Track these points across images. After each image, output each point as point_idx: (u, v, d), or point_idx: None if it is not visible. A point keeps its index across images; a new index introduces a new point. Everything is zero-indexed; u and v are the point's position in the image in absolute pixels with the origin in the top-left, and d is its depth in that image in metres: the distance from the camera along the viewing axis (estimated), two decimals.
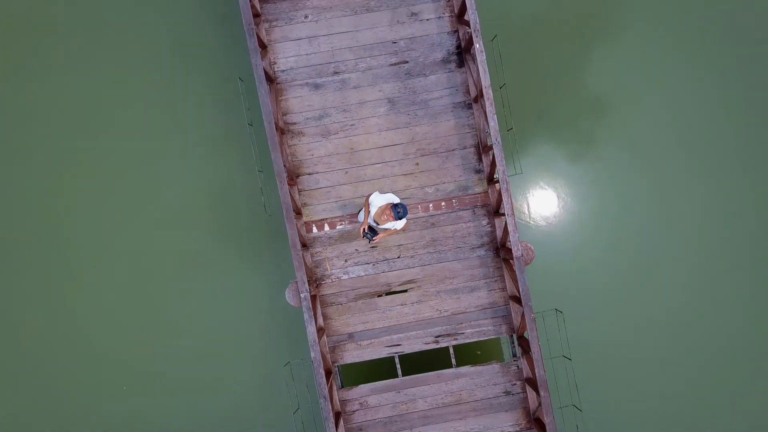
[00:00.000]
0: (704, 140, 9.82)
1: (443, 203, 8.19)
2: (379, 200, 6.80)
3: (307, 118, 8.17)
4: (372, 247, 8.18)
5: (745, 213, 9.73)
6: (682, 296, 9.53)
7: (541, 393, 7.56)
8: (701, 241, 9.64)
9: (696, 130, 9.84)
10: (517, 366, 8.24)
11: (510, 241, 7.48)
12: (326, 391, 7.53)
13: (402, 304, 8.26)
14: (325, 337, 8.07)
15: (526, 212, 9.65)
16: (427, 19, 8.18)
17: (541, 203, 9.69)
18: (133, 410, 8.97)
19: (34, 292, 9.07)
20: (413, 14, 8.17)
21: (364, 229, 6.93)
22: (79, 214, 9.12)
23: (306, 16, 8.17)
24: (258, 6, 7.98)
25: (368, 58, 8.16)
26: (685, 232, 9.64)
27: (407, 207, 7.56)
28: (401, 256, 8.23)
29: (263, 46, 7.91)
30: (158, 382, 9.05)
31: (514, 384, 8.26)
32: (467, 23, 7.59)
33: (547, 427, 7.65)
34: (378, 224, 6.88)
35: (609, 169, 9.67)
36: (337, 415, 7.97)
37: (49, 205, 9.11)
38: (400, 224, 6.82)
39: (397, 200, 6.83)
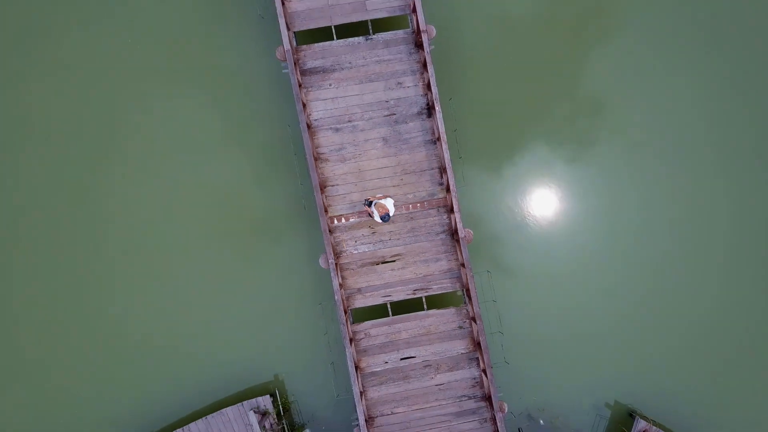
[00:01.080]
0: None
1: (418, 204, 12.73)
2: (386, 201, 11.38)
3: (331, 150, 12.74)
4: (373, 230, 12.73)
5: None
6: (588, 251, 14.05)
7: (477, 322, 12.09)
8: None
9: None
10: (466, 309, 12.76)
11: (457, 223, 12.02)
12: (344, 321, 12.07)
13: (392, 270, 12.79)
14: (342, 290, 12.59)
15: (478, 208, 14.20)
16: (408, 87, 12.77)
17: (485, 200, 14.23)
18: (220, 341, 13.51)
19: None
20: (399, 83, 12.75)
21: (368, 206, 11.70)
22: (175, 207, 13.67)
23: (330, 84, 12.76)
24: (300, 78, 12.57)
25: (370, 112, 12.74)
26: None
27: (395, 207, 12.13)
28: (391, 238, 12.77)
29: (304, 105, 12.50)
30: (236, 319, 13.59)
31: (464, 321, 12.78)
32: (431, 91, 12.17)
33: (482, 345, 12.17)
34: (374, 211, 11.51)
35: (532, 170, 14.20)
36: (351, 340, 12.48)
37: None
38: (377, 219, 11.47)
39: (392, 211, 11.43)
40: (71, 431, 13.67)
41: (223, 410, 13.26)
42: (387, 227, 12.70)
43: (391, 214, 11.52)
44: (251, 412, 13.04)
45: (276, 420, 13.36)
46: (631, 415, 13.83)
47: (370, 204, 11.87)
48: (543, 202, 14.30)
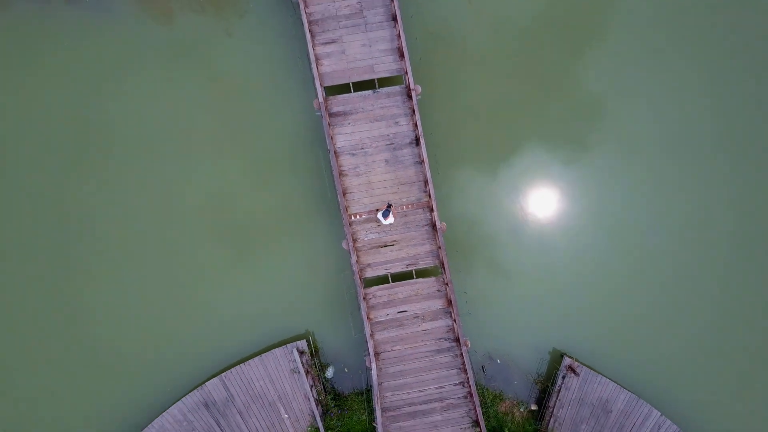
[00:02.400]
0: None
1: (411, 206, 18.44)
2: (380, 214, 17.14)
3: (349, 168, 18.47)
4: (378, 225, 18.45)
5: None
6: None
7: (449, 286, 17.77)
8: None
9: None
10: (442, 278, 18.43)
11: (436, 219, 17.75)
12: (359, 285, 17.77)
13: (391, 251, 18.48)
14: (357, 264, 18.27)
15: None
16: (402, 125, 18.53)
17: (463, 197, 19.92)
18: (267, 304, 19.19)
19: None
20: (396, 122, 18.51)
21: (377, 219, 17.36)
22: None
23: (349, 123, 18.52)
24: (328, 119, 18.34)
25: (376, 142, 18.48)
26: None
27: (392, 210, 17.86)
28: (391, 229, 18.47)
29: (331, 137, 18.27)
30: (278, 288, 19.24)
31: (441, 286, 18.44)
32: (418, 128, 17.94)
33: (453, 302, 17.83)
34: (380, 218, 17.25)
35: (507, 168, 19.88)
36: (363, 299, 18.14)
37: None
38: (380, 218, 17.16)
39: (390, 221, 17.18)
40: (169, 370, 19.27)
41: (273, 350, 18.89)
42: (387, 222, 18.43)
43: (386, 222, 17.29)
44: (295, 351, 18.69)
45: (310, 358, 19.00)
46: (562, 356, 19.38)
47: (377, 212, 17.55)
48: (514, 186, 19.98)
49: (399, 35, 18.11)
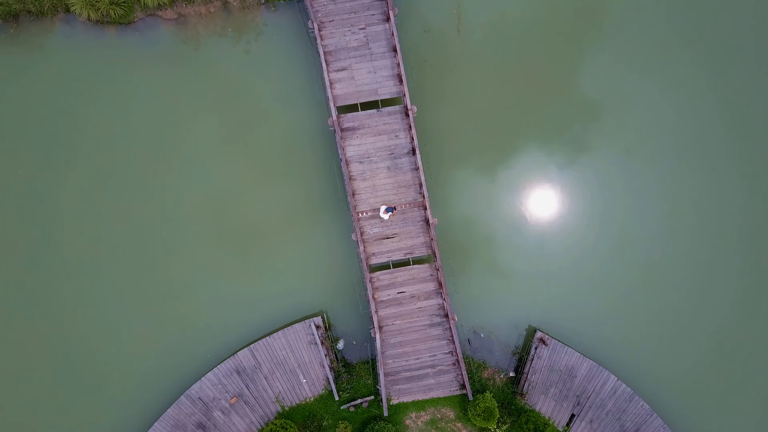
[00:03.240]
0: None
1: (408, 205, 22.26)
2: (384, 209, 21.00)
3: (358, 174, 22.31)
4: (381, 221, 22.29)
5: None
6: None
7: (440, 271, 21.56)
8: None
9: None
10: (435, 264, 22.22)
11: (429, 216, 21.58)
12: (366, 270, 21.59)
13: (392, 242, 22.30)
14: (364, 253, 22.08)
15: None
16: (401, 138, 22.36)
17: (456, 195, 23.69)
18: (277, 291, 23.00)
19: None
20: (396, 136, 22.35)
21: (380, 216, 21.22)
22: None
23: (357, 136, 22.38)
24: (340, 133, 22.19)
25: (380, 152, 22.32)
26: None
27: (394, 208, 21.69)
28: (391, 225, 22.30)
29: (343, 149, 22.12)
30: (297, 273, 23.05)
31: (433, 271, 22.24)
32: (414, 141, 21.78)
33: (443, 284, 21.61)
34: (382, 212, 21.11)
35: (499, 167, 23.68)
36: (369, 281, 21.95)
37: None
38: (383, 214, 21.01)
39: (387, 216, 21.04)
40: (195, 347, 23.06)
41: (294, 325, 22.68)
42: (389, 220, 22.28)
43: (384, 217, 21.10)
44: (312, 325, 22.49)
45: (324, 332, 22.79)
46: (535, 331, 23.12)
47: (380, 209, 21.40)
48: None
49: (399, 64, 21.97)
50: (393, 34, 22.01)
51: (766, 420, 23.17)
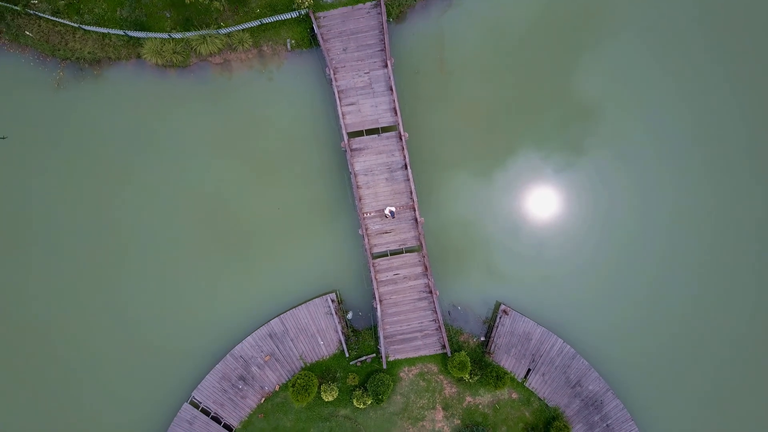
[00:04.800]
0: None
1: (401, 207, 29.16)
2: (388, 209, 27.95)
3: (363, 183, 29.20)
4: (382, 219, 29.21)
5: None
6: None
7: (426, 258, 28.46)
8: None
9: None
10: (422, 252, 29.10)
11: (417, 216, 28.47)
12: (369, 257, 28.50)
13: (389, 236, 29.19)
14: (368, 245, 28.95)
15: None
16: (396, 156, 29.21)
17: (441, 195, 30.53)
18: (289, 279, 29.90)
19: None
20: (393, 154, 29.21)
21: (385, 214, 28.18)
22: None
23: (363, 155, 29.28)
24: (350, 153, 29.09)
25: (380, 167, 29.20)
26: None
27: (394, 210, 28.61)
28: (389, 222, 29.18)
29: (352, 164, 29.03)
30: (313, 263, 29.93)
31: (421, 258, 29.12)
32: (406, 158, 28.69)
33: (428, 268, 28.49)
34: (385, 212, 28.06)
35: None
36: (372, 266, 28.82)
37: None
38: (387, 212, 27.93)
39: (392, 209, 27.97)
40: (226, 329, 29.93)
41: (314, 300, 29.52)
42: (388, 218, 29.16)
43: (389, 216, 27.99)
44: (329, 300, 29.33)
45: (338, 305, 29.63)
46: (500, 305, 29.93)
47: (386, 208, 28.33)
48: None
49: (394, 100, 28.87)
50: (390, 78, 28.92)
51: (681, 361, 29.95)
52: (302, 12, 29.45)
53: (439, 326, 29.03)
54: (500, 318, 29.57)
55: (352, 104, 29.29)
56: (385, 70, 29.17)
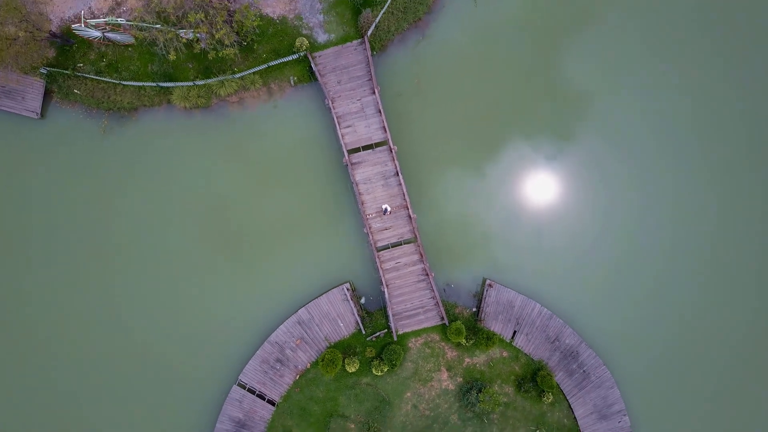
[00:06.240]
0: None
1: (397, 207, 35.41)
2: (385, 207, 34.27)
3: (364, 190, 35.45)
4: (380, 218, 35.51)
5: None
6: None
7: (421, 247, 34.73)
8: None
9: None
10: (417, 243, 35.35)
11: (410, 213, 34.75)
12: (374, 250, 34.78)
13: (388, 232, 35.45)
14: (372, 240, 35.19)
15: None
16: (388, 166, 35.53)
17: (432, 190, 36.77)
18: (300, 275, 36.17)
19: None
20: (385, 165, 35.47)
21: (382, 211, 34.51)
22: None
23: (361, 167, 35.55)
24: (351, 166, 35.35)
25: (376, 175, 35.46)
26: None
27: (390, 209, 34.90)
28: (388, 220, 35.46)
29: (353, 175, 35.28)
30: (326, 258, 36.18)
31: (417, 248, 35.39)
32: (397, 167, 34.97)
33: (423, 255, 34.77)
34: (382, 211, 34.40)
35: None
36: (377, 257, 35.08)
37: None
38: (384, 210, 34.31)
39: (389, 209, 34.27)
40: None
41: (332, 290, 35.74)
42: (386, 217, 35.39)
43: (387, 214, 34.28)
44: (345, 289, 35.56)
45: (352, 292, 35.87)
46: (485, 280, 36.15)
47: (383, 207, 34.67)
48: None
49: (383, 120, 35.13)
50: (378, 102, 35.19)
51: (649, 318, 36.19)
52: (301, 54, 35.71)
53: (437, 302, 35.24)
54: (487, 291, 35.79)
55: (349, 126, 35.56)
56: (374, 96, 35.43)
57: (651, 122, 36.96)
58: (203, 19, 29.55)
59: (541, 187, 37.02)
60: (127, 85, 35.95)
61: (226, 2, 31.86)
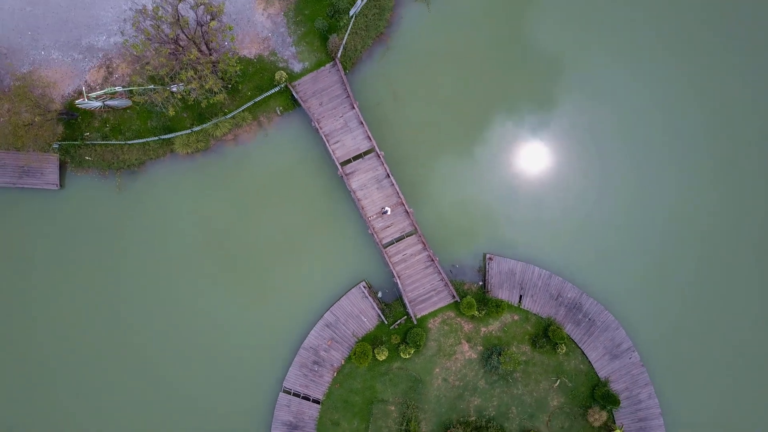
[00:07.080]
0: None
1: (394, 205, 39.07)
2: (386, 210, 37.98)
3: (361, 195, 39.11)
4: (381, 217, 39.20)
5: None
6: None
7: (422, 237, 38.40)
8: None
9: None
10: (418, 233, 39.01)
11: (407, 208, 38.41)
12: (380, 246, 38.47)
13: (390, 228, 39.13)
14: (377, 238, 38.84)
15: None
16: (379, 170, 39.12)
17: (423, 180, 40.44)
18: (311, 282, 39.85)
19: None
20: (376, 170, 39.14)
21: (382, 212, 38.22)
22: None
23: (356, 175, 39.22)
24: (345, 176, 39.00)
25: (371, 180, 39.13)
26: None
27: (388, 210, 38.57)
28: (388, 218, 39.12)
29: (350, 183, 38.97)
30: (337, 259, 39.85)
31: (419, 238, 39.06)
32: (387, 170, 38.63)
33: (426, 245, 38.45)
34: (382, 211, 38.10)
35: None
36: (383, 250, 38.74)
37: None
38: (385, 211, 37.98)
39: (388, 209, 37.95)
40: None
41: (351, 290, 39.38)
42: (387, 216, 39.06)
43: (387, 213, 37.95)
44: (362, 287, 39.19)
45: (369, 289, 39.51)
46: (485, 255, 39.79)
47: (383, 209, 38.35)
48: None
49: (367, 130, 38.80)
50: (359, 115, 38.87)
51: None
52: (282, 85, 39.38)
53: (446, 283, 38.89)
54: (488, 264, 39.44)
55: (337, 142, 39.25)
56: (354, 111, 39.12)
57: (634, 72, 40.64)
58: (193, 75, 33.13)
59: (532, 159, 40.62)
60: (132, 144, 39.59)
61: (208, 56, 35.44)
